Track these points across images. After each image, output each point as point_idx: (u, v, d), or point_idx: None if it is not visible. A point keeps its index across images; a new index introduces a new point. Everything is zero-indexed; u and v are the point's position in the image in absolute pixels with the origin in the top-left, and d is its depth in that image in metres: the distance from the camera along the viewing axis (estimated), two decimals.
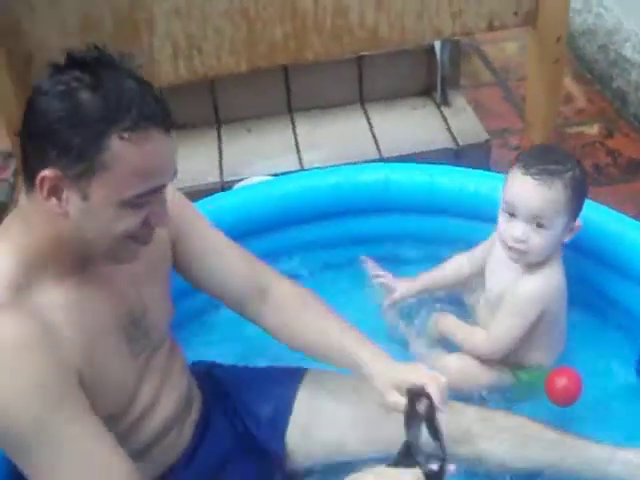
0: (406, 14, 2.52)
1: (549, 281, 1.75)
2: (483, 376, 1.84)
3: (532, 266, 1.75)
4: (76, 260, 1.30)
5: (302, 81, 2.93)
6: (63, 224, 1.22)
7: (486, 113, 3.19)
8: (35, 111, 1.17)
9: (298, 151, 2.80)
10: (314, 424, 1.66)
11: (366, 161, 2.53)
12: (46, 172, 1.16)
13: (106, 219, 1.21)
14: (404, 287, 2.04)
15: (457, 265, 2.01)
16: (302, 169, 2.68)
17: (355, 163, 2.44)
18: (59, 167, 1.16)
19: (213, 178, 2.72)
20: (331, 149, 2.75)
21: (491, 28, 2.65)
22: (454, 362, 1.86)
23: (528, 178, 1.67)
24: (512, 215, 1.70)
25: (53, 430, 1.17)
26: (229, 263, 1.61)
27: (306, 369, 1.75)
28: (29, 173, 1.20)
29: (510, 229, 1.70)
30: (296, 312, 1.60)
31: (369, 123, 2.88)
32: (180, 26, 2.45)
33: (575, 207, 1.71)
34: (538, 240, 1.69)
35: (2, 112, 2.45)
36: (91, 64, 1.18)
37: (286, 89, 2.95)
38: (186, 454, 1.58)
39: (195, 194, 2.23)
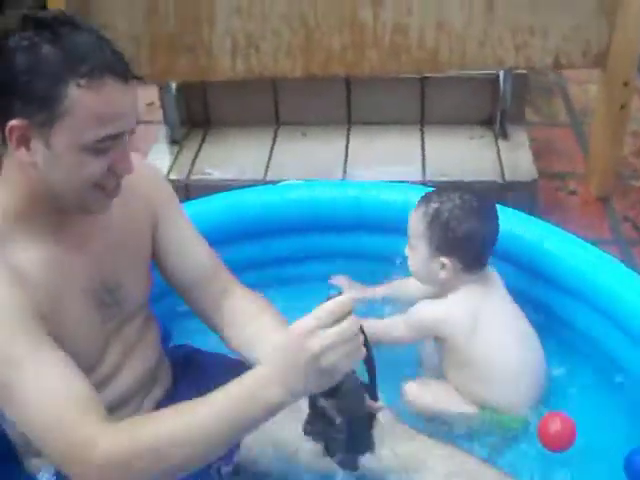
0: (468, 39, 2.48)
1: (445, 309, 1.78)
2: (451, 400, 1.81)
3: (437, 294, 1.83)
4: (52, 218, 1.35)
5: (364, 94, 2.92)
6: (34, 175, 1.28)
7: (554, 154, 3.10)
8: (1, 66, 1.23)
9: (345, 161, 2.79)
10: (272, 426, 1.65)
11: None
12: (13, 122, 1.23)
13: (70, 165, 1.26)
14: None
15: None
16: (343, 179, 2.67)
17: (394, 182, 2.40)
18: (25, 116, 1.22)
19: (256, 175, 2.75)
20: (377, 165, 2.74)
21: (558, 65, 2.58)
22: (425, 386, 1.84)
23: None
24: None
25: (18, 355, 1.23)
26: (200, 255, 1.63)
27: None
28: (1, 127, 1.26)
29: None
30: (250, 317, 1.60)
31: (422, 145, 2.83)
32: (240, 24, 2.51)
33: (435, 239, 1.75)
34: (410, 258, 1.83)
35: None
36: (51, 23, 1.23)
37: (347, 100, 2.95)
38: None
39: (234, 187, 2.32)
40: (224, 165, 2.84)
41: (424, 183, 2.61)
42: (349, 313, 1.14)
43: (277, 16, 2.47)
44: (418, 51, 2.50)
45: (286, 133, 2.98)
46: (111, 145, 1.27)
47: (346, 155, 2.83)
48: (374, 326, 1.77)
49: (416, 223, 1.78)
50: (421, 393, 1.83)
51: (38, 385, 1.23)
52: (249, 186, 2.35)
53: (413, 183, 2.49)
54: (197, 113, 3.04)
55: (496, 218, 1.78)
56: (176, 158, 2.89)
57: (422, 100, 2.90)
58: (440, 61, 2.53)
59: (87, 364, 1.42)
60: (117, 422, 1.25)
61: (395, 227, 2.06)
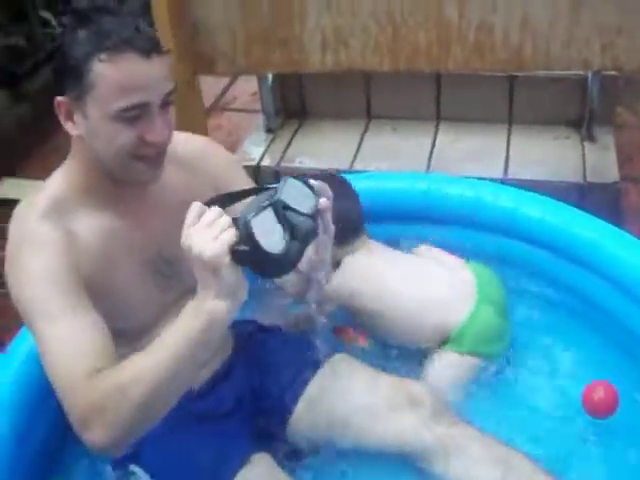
0: (552, 39, 2.49)
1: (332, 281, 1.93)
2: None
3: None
4: (112, 191, 1.51)
5: (453, 91, 2.97)
6: (84, 147, 1.45)
7: None
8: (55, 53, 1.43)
9: (430, 156, 2.86)
10: (326, 398, 1.75)
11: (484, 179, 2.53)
12: (58, 98, 1.41)
13: (105, 135, 1.41)
14: None
15: None
16: (426, 172, 2.74)
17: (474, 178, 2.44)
18: (65, 93, 1.41)
19: (343, 165, 2.86)
20: (460, 160, 2.78)
21: None
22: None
23: None
24: None
25: (53, 308, 1.38)
26: None
27: (335, 351, 1.84)
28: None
29: None
30: None
31: (508, 143, 2.86)
32: (330, 20, 2.61)
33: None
34: None
35: None
36: (91, 12, 1.40)
37: (437, 97, 3.01)
38: (194, 397, 1.70)
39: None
40: (314, 154, 2.96)
41: (504, 181, 2.65)
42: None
43: (365, 13, 2.56)
44: (502, 50, 2.53)
45: (376, 127, 3.08)
46: (139, 114, 1.39)
47: (431, 151, 2.89)
48: None
49: None
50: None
51: (58, 337, 1.37)
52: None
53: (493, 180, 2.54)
54: (293, 104, 3.19)
55: (349, 194, 1.98)
56: (269, 146, 3.04)
57: (510, 99, 2.92)
58: (524, 60, 2.55)
59: (143, 326, 1.58)
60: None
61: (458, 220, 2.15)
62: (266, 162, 2.93)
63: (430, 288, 1.97)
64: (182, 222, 1.55)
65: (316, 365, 1.80)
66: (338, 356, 1.84)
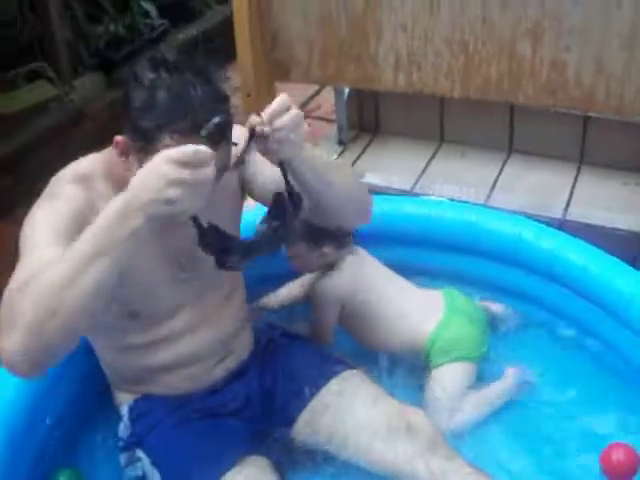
0: (627, 84, 2.43)
1: (333, 278, 2.06)
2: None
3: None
4: None
5: (526, 124, 2.94)
6: (127, 174, 1.47)
7: None
8: (127, 91, 1.45)
9: (493, 187, 2.83)
10: (329, 413, 1.79)
11: (542, 218, 2.49)
12: (118, 138, 1.47)
13: None
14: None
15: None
16: (484, 204, 2.72)
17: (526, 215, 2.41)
18: (129, 137, 1.45)
19: (404, 186, 2.88)
20: (520, 195, 2.75)
21: None
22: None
23: None
24: None
25: (40, 239, 1.44)
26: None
27: (348, 366, 1.89)
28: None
29: None
30: None
31: (574, 184, 2.81)
32: (404, 41, 2.63)
33: (309, 237, 1.98)
34: (295, 260, 2.10)
35: (241, 77, 2.84)
36: (177, 67, 1.43)
37: (510, 128, 2.98)
38: (206, 391, 1.80)
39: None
40: (379, 170, 3.00)
41: (562, 223, 2.61)
42: (206, 163, 1.26)
43: (439, 38, 2.57)
44: (574, 89, 2.48)
45: (446, 151, 3.08)
46: None
47: (495, 180, 2.87)
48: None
49: None
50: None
51: (28, 256, 1.42)
52: (392, 194, 2.50)
53: (551, 221, 2.50)
54: (368, 119, 3.22)
55: None
56: (338, 157, 3.08)
57: (583, 138, 2.86)
58: (596, 102, 2.49)
59: (158, 317, 1.67)
60: None
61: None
62: None
63: (407, 301, 2.09)
64: (212, 209, 1.55)
65: (327, 378, 1.84)
66: (349, 372, 1.87)
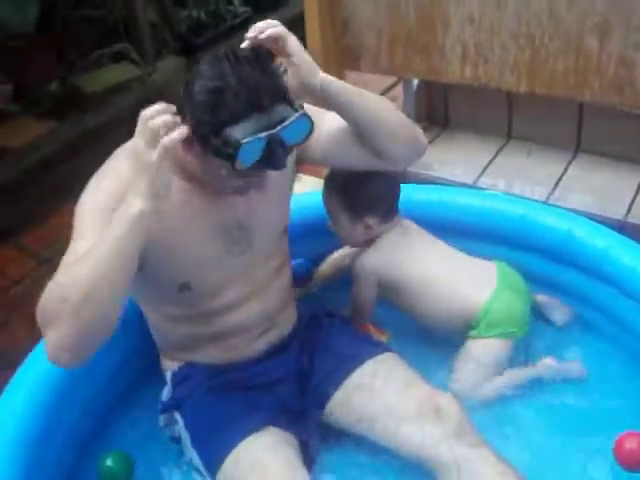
0: None
1: (371, 255, 2.05)
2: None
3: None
4: (194, 178, 1.62)
5: (595, 124, 2.88)
6: (189, 158, 1.57)
7: None
8: (191, 83, 1.48)
9: (555, 186, 2.80)
10: (361, 393, 1.81)
11: (602, 218, 2.45)
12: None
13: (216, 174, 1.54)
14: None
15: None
16: (545, 202, 2.68)
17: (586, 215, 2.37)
18: (194, 129, 1.47)
19: (467, 179, 2.88)
20: (582, 195, 2.71)
21: None
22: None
23: None
24: None
25: (85, 226, 1.53)
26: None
27: (385, 349, 1.92)
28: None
29: None
30: None
31: (639, 187, 2.75)
32: (471, 33, 2.63)
33: (349, 208, 1.99)
34: (338, 232, 2.08)
35: None
36: (243, 61, 1.47)
37: (578, 127, 2.93)
38: (247, 363, 1.85)
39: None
40: (444, 162, 2.99)
41: (622, 225, 2.55)
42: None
43: (505, 32, 2.55)
44: None
45: (513, 147, 3.05)
46: None
47: (559, 179, 2.83)
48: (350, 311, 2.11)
49: (329, 200, 2.02)
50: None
51: (72, 251, 1.50)
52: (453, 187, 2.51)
53: (611, 222, 2.45)
54: (437, 112, 3.22)
55: (387, 174, 1.98)
56: None
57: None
58: None
59: (209, 289, 1.72)
60: None
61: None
62: None
63: (457, 270, 2.06)
64: (264, 192, 1.66)
65: (362, 359, 1.86)
66: (386, 355, 1.90)
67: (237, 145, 1.43)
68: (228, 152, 1.44)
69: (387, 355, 1.90)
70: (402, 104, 3.20)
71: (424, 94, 3.19)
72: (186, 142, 1.48)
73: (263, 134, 1.45)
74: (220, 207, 1.68)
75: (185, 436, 1.79)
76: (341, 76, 2.94)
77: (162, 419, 1.87)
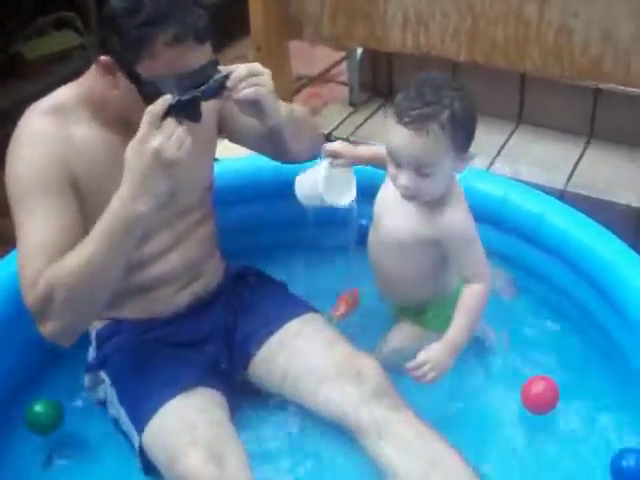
0: (633, 53, 2.36)
1: (463, 206, 1.74)
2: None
3: (433, 202, 1.71)
4: (119, 119, 1.60)
5: (537, 95, 2.88)
6: (114, 92, 1.55)
7: None
8: (109, 5, 1.49)
9: (497, 155, 2.80)
10: (284, 352, 1.81)
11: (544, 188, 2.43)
12: (103, 57, 1.50)
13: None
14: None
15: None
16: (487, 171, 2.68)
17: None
18: (114, 53, 1.49)
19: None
20: (524, 166, 2.72)
21: None
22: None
23: (401, 128, 1.58)
24: (396, 164, 1.64)
25: (32, 203, 1.53)
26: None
27: (311, 310, 1.91)
28: (95, 50, 1.54)
29: (397, 179, 1.65)
30: None
31: (579, 158, 2.75)
32: (412, 1, 2.60)
33: (461, 141, 1.63)
34: (426, 185, 1.65)
35: (252, 30, 2.86)
36: None
37: (520, 99, 2.93)
38: (171, 317, 1.84)
39: None
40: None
41: (562, 193, 2.56)
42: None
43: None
44: (581, 57, 2.43)
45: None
46: None
47: (500, 149, 2.83)
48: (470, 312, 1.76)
49: (432, 148, 1.59)
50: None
51: (31, 231, 1.52)
52: None
53: (553, 192, 2.44)
54: (381, 82, 3.19)
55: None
56: (345, 118, 3.07)
57: (593, 112, 2.80)
58: (603, 72, 2.43)
59: None
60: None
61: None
62: (336, 133, 2.97)
63: None
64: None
65: (288, 318, 1.86)
66: (312, 315, 1.89)
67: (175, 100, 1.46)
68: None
69: (314, 315, 1.89)
70: (347, 75, 3.18)
71: (368, 64, 3.16)
72: (108, 70, 1.51)
73: (197, 92, 1.50)
74: None
75: (111, 393, 1.76)
76: (282, 45, 2.92)
77: (87, 379, 1.84)
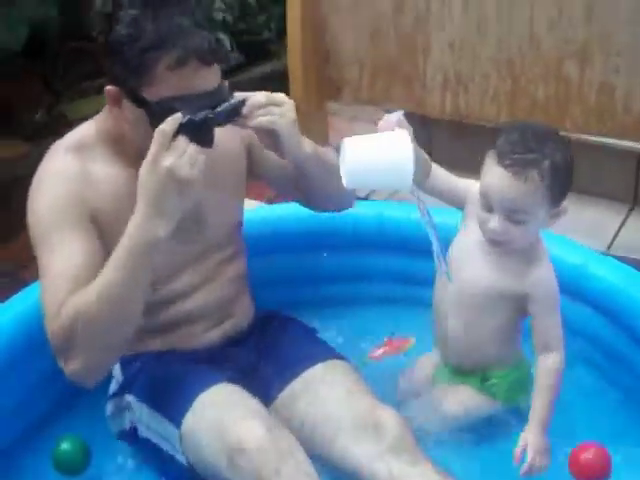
0: None
1: (550, 263, 1.64)
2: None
3: (519, 254, 1.63)
4: (136, 153, 1.52)
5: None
6: (125, 126, 1.53)
7: None
8: (111, 34, 1.47)
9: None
10: (305, 398, 1.71)
11: None
12: (109, 87, 1.48)
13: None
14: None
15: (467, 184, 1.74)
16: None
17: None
18: (119, 81, 1.46)
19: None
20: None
21: None
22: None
23: (501, 170, 1.52)
24: (488, 208, 1.56)
25: (54, 239, 1.49)
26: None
27: (337, 356, 1.80)
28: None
29: (487, 222, 1.57)
30: None
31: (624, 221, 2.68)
32: (452, 61, 2.62)
33: (557, 193, 1.56)
34: (516, 232, 1.57)
35: (291, 90, 2.88)
36: (156, 2, 1.46)
37: (636, 178, 2.80)
38: (199, 351, 1.74)
39: None
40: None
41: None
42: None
43: (486, 58, 2.54)
44: (623, 115, 2.40)
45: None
46: None
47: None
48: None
49: (528, 194, 1.53)
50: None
51: (53, 266, 1.48)
52: None
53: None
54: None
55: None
56: None
57: (637, 178, 2.73)
58: None
59: (162, 275, 1.62)
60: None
61: None
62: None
63: None
64: (210, 178, 1.55)
65: (312, 362, 1.75)
66: (335, 361, 1.78)
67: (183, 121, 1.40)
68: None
69: (337, 362, 1.78)
70: None
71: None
72: (115, 100, 1.47)
73: (209, 114, 1.43)
74: None
75: (140, 409, 1.66)
76: (321, 105, 2.93)
77: (110, 407, 1.75)
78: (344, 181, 1.41)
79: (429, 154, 1.65)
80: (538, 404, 1.63)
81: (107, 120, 1.58)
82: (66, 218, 1.51)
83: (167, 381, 1.66)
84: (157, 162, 1.36)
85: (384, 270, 2.16)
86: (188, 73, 1.42)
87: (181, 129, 1.39)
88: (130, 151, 1.57)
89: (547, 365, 1.65)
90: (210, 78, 1.46)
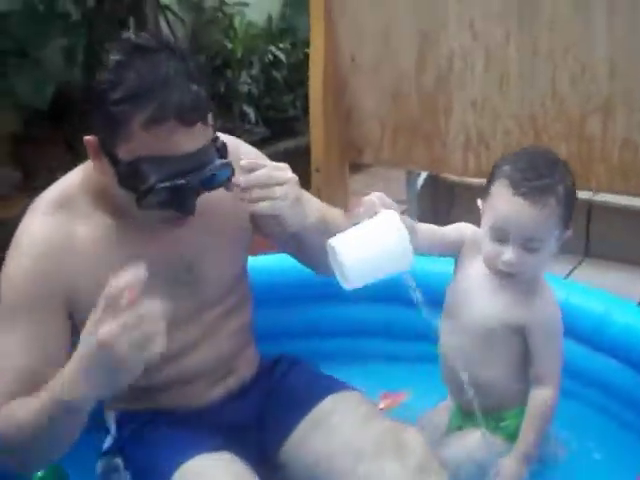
0: None
1: (552, 295, 1.65)
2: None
3: (523, 286, 1.61)
4: (121, 209, 1.48)
5: (602, 225, 2.80)
6: (106, 178, 1.43)
7: None
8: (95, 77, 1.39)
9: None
10: (321, 430, 1.63)
11: None
12: (88, 137, 1.39)
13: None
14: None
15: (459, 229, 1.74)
16: None
17: None
18: (96, 132, 1.37)
19: None
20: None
21: None
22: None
23: (517, 198, 1.51)
24: (501, 239, 1.53)
25: (6, 322, 1.43)
26: None
27: (347, 387, 1.73)
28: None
29: (500, 255, 1.54)
30: None
31: None
32: (473, 119, 2.61)
33: (568, 217, 1.58)
34: (532, 261, 1.56)
35: (312, 151, 2.87)
36: (145, 49, 1.35)
37: (586, 228, 2.84)
38: (201, 410, 1.66)
39: None
40: None
41: None
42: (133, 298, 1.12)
43: (508, 115, 2.53)
44: None
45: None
46: None
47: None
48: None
49: (546, 221, 1.53)
50: None
51: (5, 351, 1.41)
52: None
53: None
54: (442, 213, 3.15)
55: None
56: None
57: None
58: None
59: None
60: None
61: None
62: None
63: None
64: (206, 228, 1.53)
65: (322, 395, 1.68)
66: (347, 392, 1.70)
67: (150, 186, 1.31)
68: (137, 186, 1.33)
69: (349, 393, 1.70)
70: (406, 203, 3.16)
71: (428, 193, 3.14)
72: (95, 153, 1.38)
73: (181, 180, 1.32)
74: (156, 249, 1.51)
75: (125, 476, 1.57)
76: (342, 167, 2.92)
77: (100, 466, 1.66)
78: (343, 283, 1.37)
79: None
80: (523, 435, 1.64)
81: (90, 169, 1.48)
82: (27, 300, 1.42)
83: (154, 446, 1.56)
84: (93, 332, 1.15)
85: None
86: (164, 133, 1.31)
87: (149, 197, 1.31)
88: (114, 204, 1.48)
89: (538, 400, 1.64)
90: (192, 139, 1.34)
